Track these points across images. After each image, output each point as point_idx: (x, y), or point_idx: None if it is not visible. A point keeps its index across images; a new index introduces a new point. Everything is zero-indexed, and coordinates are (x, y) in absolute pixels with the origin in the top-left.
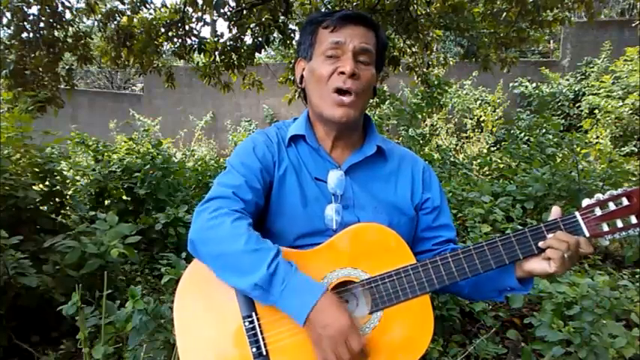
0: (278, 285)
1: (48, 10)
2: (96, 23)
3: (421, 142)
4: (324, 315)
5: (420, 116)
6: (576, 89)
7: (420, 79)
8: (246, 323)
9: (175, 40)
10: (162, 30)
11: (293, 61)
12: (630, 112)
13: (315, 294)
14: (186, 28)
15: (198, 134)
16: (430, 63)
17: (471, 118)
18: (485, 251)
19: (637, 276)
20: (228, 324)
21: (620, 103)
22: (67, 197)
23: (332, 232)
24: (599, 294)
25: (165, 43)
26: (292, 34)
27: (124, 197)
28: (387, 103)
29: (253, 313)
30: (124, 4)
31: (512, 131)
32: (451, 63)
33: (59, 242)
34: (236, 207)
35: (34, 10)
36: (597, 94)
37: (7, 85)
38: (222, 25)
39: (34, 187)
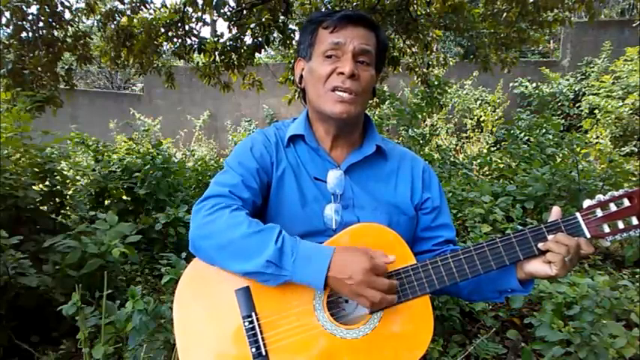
0: (288, 257)
1: (47, 10)
2: (96, 23)
3: (421, 142)
4: (344, 267)
5: (420, 116)
6: (576, 89)
7: (420, 79)
8: (246, 323)
9: (175, 40)
10: (162, 30)
11: (293, 61)
12: (630, 112)
13: (326, 257)
14: (186, 28)
15: (197, 134)
16: (430, 63)
17: (471, 118)
18: (486, 252)
19: (637, 276)
20: (227, 324)
21: (620, 103)
22: (67, 197)
23: (332, 231)
24: (599, 294)
25: (165, 43)
26: (292, 34)
27: (124, 197)
28: (387, 103)
29: (253, 313)
30: (123, 4)
31: (512, 131)
32: (451, 63)
33: (59, 242)
34: (232, 203)
35: (34, 9)
36: (597, 94)
37: (6, 85)
38: (222, 25)
39: (34, 187)
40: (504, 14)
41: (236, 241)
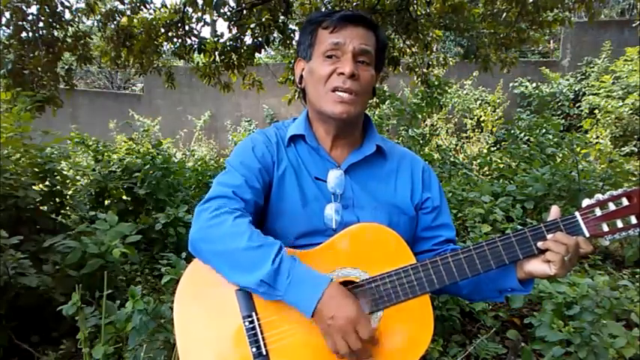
0: (283, 279)
1: (47, 10)
2: (96, 23)
3: (421, 142)
4: (332, 305)
5: (420, 116)
6: (576, 89)
7: (420, 79)
8: (246, 323)
9: (175, 40)
10: (163, 30)
11: (293, 61)
12: (630, 112)
13: (321, 285)
14: (186, 28)
15: (197, 134)
16: (430, 63)
17: (471, 118)
18: (485, 251)
19: (637, 276)
20: (228, 324)
21: (620, 103)
22: (67, 197)
23: (332, 231)
24: (599, 294)
25: (165, 43)
26: (292, 34)
27: (124, 197)
28: (387, 103)
29: (253, 313)
30: (124, 4)
31: (512, 131)
32: (451, 63)
33: (59, 242)
34: (236, 206)
35: (34, 9)
36: (597, 94)
37: (6, 85)
38: (222, 25)
39: (34, 187)
40: (504, 14)
41: (234, 252)
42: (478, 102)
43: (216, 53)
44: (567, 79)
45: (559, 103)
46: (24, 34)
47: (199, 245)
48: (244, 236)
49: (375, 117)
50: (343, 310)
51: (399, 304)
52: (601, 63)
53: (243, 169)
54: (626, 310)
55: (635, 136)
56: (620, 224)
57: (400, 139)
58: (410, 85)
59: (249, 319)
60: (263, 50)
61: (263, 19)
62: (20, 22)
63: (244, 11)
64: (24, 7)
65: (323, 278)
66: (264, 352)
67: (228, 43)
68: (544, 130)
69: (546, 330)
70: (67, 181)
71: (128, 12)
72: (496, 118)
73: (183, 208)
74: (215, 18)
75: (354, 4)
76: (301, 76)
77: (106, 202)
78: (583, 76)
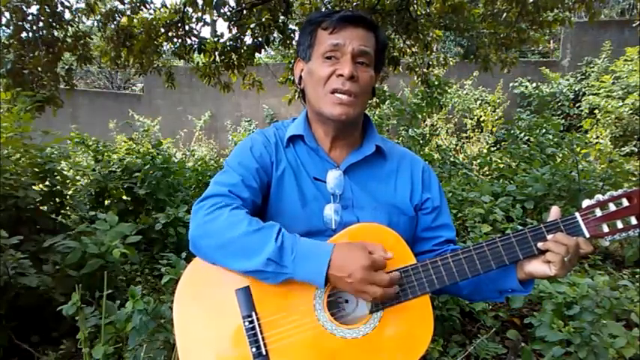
0: (288, 255)
1: (47, 10)
2: (96, 23)
3: (421, 142)
4: (344, 264)
5: (420, 116)
6: (576, 89)
7: (420, 79)
8: (246, 323)
9: (175, 40)
10: (162, 30)
11: (293, 61)
12: (630, 112)
13: (326, 253)
14: (186, 28)
15: (197, 134)
16: (430, 63)
17: (471, 118)
18: (485, 252)
19: (637, 276)
20: (227, 324)
21: (620, 103)
22: (67, 197)
23: (332, 231)
24: (599, 294)
25: (165, 43)
26: (292, 34)
27: (124, 197)
28: (387, 103)
29: (253, 313)
30: (123, 4)
31: (512, 131)
32: (451, 63)
33: (59, 242)
34: (232, 202)
35: (34, 9)
36: (597, 94)
37: (6, 85)
38: (222, 25)
39: (34, 187)
40: (504, 14)
41: (236, 239)
42: (478, 102)
43: (216, 53)
44: (567, 79)
45: (559, 103)
46: (24, 34)
47: (199, 242)
48: (243, 223)
49: (375, 117)
50: (355, 262)
51: (399, 304)
52: (601, 63)
53: (241, 169)
54: (626, 310)
55: (635, 136)
56: (620, 225)
57: (400, 139)
58: (410, 85)
59: (249, 319)
60: (263, 50)
61: (263, 19)
62: (20, 22)
63: (244, 11)
64: (24, 7)
65: (326, 246)
66: (264, 352)
67: (228, 43)
68: (544, 130)
69: (546, 330)
70: (67, 181)
71: (128, 12)
72: (496, 118)
73: (183, 208)
74: (215, 18)
75: (354, 4)
76: (300, 77)
77: (106, 202)
78: (583, 76)
